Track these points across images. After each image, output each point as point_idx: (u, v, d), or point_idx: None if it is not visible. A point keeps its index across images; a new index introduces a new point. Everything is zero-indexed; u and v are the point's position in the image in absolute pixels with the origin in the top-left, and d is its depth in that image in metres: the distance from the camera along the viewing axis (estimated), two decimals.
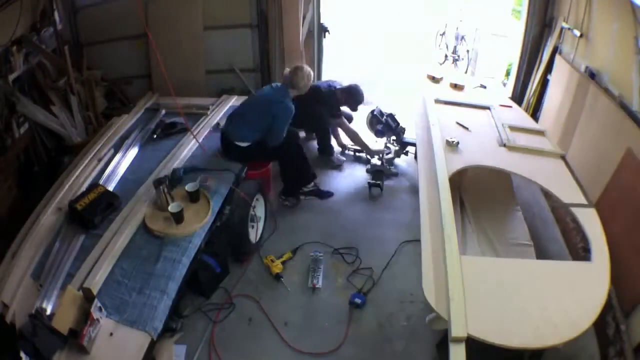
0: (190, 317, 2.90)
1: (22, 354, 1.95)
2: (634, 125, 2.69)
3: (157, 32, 4.22)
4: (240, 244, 3.23)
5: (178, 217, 2.69)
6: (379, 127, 4.25)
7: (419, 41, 7.59)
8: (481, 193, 3.53)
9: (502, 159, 3.16)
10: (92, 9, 4.42)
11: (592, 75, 3.36)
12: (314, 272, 3.18)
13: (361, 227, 3.67)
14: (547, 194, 3.42)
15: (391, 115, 4.30)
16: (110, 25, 4.45)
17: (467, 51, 6.37)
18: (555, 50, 4.18)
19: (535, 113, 4.50)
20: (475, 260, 2.67)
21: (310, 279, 3.15)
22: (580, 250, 2.98)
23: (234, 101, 4.10)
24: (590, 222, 2.60)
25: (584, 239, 2.63)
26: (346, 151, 4.61)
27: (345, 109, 4.40)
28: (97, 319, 2.11)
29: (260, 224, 3.49)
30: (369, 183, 4.06)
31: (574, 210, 2.72)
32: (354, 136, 4.32)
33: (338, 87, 4.28)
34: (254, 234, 3.39)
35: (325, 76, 5.38)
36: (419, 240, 2.54)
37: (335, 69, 5.98)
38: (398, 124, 4.30)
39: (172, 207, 2.67)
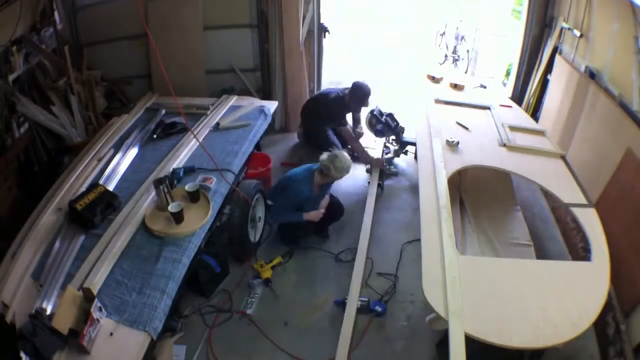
0: (190, 317, 2.91)
1: (22, 354, 1.95)
2: (633, 125, 2.69)
3: (157, 32, 4.22)
4: (240, 244, 3.23)
5: (178, 217, 2.68)
6: (379, 126, 4.25)
7: (418, 41, 7.58)
8: (481, 193, 3.53)
9: (502, 159, 3.16)
10: (92, 9, 4.42)
11: (592, 75, 3.36)
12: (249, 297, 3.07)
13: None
14: (547, 194, 3.43)
15: (391, 115, 4.30)
16: (110, 25, 4.45)
17: (467, 51, 6.36)
18: (555, 50, 4.18)
19: (535, 113, 4.50)
20: (475, 260, 2.68)
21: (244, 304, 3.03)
22: (580, 250, 2.98)
23: (234, 101, 4.10)
24: (590, 222, 2.61)
25: (584, 239, 2.63)
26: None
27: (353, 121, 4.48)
28: (97, 319, 2.11)
29: (260, 224, 3.50)
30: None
31: (574, 210, 2.73)
32: (360, 152, 4.23)
33: (342, 93, 4.25)
34: (254, 233, 3.39)
35: (325, 76, 5.37)
36: (418, 240, 2.54)
37: (336, 69, 5.97)
38: (397, 123, 4.30)
39: (172, 207, 2.67)
